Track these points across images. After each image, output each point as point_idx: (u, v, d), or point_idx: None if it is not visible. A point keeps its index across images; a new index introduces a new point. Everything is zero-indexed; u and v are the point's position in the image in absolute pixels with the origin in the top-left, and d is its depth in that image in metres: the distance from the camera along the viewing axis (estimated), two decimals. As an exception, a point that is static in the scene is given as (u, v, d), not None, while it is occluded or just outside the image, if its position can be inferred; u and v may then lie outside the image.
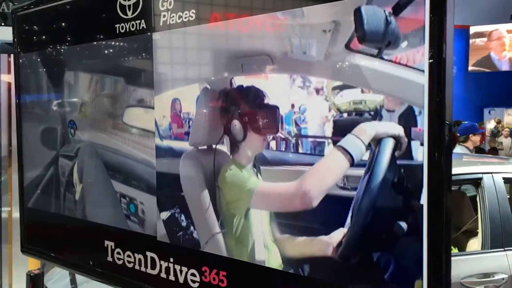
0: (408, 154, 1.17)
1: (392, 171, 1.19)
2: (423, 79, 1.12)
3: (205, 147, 1.65)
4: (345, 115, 1.29)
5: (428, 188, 1.13)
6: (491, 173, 2.30)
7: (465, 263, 2.00)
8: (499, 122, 10.87)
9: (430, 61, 1.11)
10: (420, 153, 1.14)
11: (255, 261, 1.51)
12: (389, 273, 1.19)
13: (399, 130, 1.18)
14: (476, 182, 2.22)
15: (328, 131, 1.32)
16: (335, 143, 1.30)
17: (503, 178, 2.30)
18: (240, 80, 1.51)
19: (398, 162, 1.19)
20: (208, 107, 1.62)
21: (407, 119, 1.16)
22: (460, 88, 11.86)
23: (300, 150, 1.39)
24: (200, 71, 1.66)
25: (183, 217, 1.74)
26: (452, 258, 1.98)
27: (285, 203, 1.42)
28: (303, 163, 1.37)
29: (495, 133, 10.27)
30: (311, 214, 1.34)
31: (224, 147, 1.58)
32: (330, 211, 1.32)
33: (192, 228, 1.71)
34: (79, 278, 2.84)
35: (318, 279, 1.35)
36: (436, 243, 1.13)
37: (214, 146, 1.60)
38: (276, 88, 1.43)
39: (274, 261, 1.45)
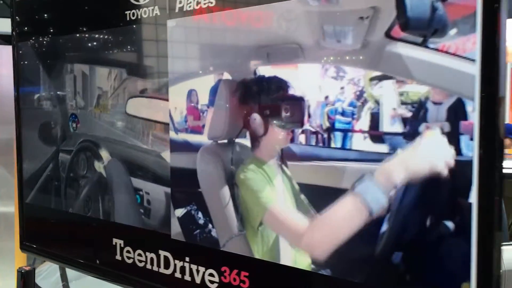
0: (457, 149, 1.09)
1: (438, 167, 1.12)
2: (474, 70, 1.05)
3: (225, 140, 1.56)
4: (383, 107, 1.21)
5: (478, 186, 1.06)
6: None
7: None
8: None
9: (482, 49, 1.04)
10: (470, 148, 1.07)
11: (281, 261, 1.43)
12: (434, 275, 1.13)
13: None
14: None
15: (365, 124, 1.24)
16: (372, 137, 1.23)
17: None
18: (266, 71, 1.43)
19: (445, 157, 1.12)
20: (228, 99, 1.53)
21: (456, 112, 1.09)
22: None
23: (333, 145, 1.31)
24: (221, 60, 1.56)
25: (200, 215, 1.66)
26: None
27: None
28: (336, 158, 1.30)
29: None
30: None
31: (246, 141, 1.50)
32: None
33: (210, 226, 1.62)
34: (70, 274, 2.74)
35: (354, 282, 1.28)
36: (485, 244, 1.07)
37: (233, 140, 1.52)
38: (307, 78, 1.35)
39: (303, 261, 1.38)
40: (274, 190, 1.42)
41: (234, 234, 1.54)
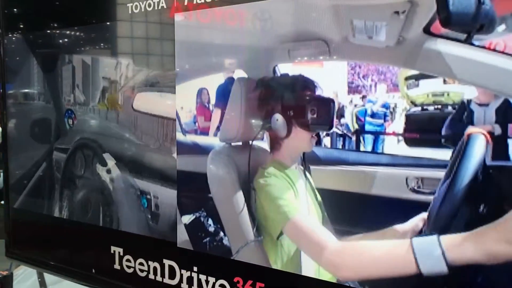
0: (504, 154, 1.02)
1: (482, 174, 1.05)
2: (526, 68, 0.97)
3: (240, 143, 1.46)
4: (421, 108, 1.13)
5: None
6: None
7: None
8: None
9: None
10: (519, 153, 0.99)
11: (302, 272, 1.34)
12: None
13: None
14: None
15: (399, 127, 1.16)
16: (407, 140, 1.15)
17: None
18: (286, 68, 1.33)
19: (490, 163, 1.05)
20: (244, 98, 1.43)
21: (505, 114, 1.01)
22: None
23: (362, 148, 1.22)
24: (237, 57, 1.46)
25: (210, 221, 1.55)
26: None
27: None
28: (365, 162, 1.21)
29: None
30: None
31: (264, 144, 1.40)
32: (398, 218, 1.16)
33: (221, 233, 1.52)
34: (48, 279, 2.59)
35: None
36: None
37: (250, 142, 1.42)
38: (333, 77, 1.26)
39: (327, 274, 1.29)
40: (297, 199, 1.33)
41: (250, 240, 1.44)
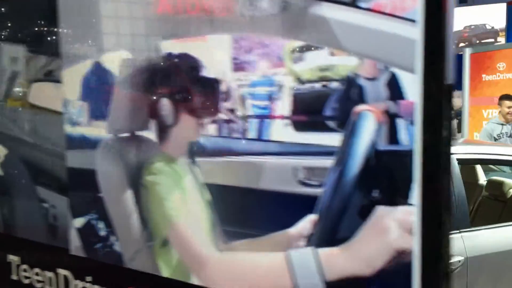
0: (394, 137, 0.86)
1: (372, 160, 0.88)
2: (415, 32, 0.81)
3: (128, 134, 1.28)
4: (308, 86, 0.96)
5: (421, 182, 0.82)
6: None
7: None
8: None
9: (425, 7, 0.81)
10: (411, 134, 0.83)
11: (192, 281, 1.16)
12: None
13: None
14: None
15: (285, 109, 0.99)
16: (294, 125, 0.98)
17: (457, 160, 2.13)
18: (169, 46, 1.16)
19: (380, 148, 0.88)
20: (130, 83, 1.25)
21: (393, 89, 0.85)
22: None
23: (250, 135, 1.05)
24: (118, 36, 1.28)
25: (102, 225, 1.36)
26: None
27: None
28: (252, 152, 1.04)
29: None
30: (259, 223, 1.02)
31: (151, 134, 1.22)
32: (287, 216, 0.99)
33: (114, 238, 1.34)
34: None
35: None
36: (431, 246, 0.84)
37: (137, 133, 1.24)
38: (215, 54, 1.08)
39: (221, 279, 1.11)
40: (185, 199, 1.15)
41: (141, 247, 1.26)
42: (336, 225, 0.93)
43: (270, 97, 0.99)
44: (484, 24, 10.01)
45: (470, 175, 2.93)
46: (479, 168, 3.03)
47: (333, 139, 0.92)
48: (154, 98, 1.19)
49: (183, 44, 1.13)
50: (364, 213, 0.89)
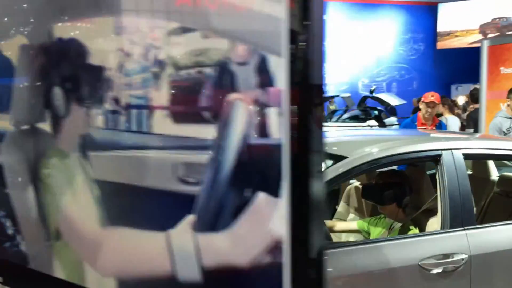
0: (264, 129, 0.76)
1: (244, 155, 0.79)
2: (280, 10, 0.71)
3: (28, 126, 1.19)
4: (185, 73, 0.86)
5: (291, 179, 0.73)
6: (451, 149, 1.98)
7: (424, 244, 1.70)
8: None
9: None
10: (279, 126, 0.74)
11: (87, 284, 1.08)
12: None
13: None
14: (435, 159, 1.89)
15: (163, 98, 0.89)
16: (172, 116, 0.88)
17: (463, 155, 1.99)
18: (61, 30, 1.06)
19: (252, 142, 0.79)
20: (27, 71, 1.16)
21: (262, 75, 0.75)
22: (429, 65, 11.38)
23: (134, 128, 0.96)
24: (14, 19, 1.19)
25: (9, 222, 1.29)
26: (411, 240, 1.70)
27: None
28: (134, 146, 0.95)
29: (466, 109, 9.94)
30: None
31: (47, 126, 1.13)
32: (167, 214, 0.90)
33: (19, 237, 1.26)
34: None
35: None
36: (299, 234, 0.75)
37: (34, 125, 1.16)
38: (100, 40, 0.99)
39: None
40: (75, 195, 1.07)
41: (41, 245, 1.18)
42: (213, 221, 0.84)
43: (146, 86, 0.90)
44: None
45: (482, 170, 2.77)
46: (491, 163, 2.86)
47: (209, 132, 0.82)
48: (48, 88, 1.10)
49: (71, 28, 1.04)
50: (240, 206, 0.80)
